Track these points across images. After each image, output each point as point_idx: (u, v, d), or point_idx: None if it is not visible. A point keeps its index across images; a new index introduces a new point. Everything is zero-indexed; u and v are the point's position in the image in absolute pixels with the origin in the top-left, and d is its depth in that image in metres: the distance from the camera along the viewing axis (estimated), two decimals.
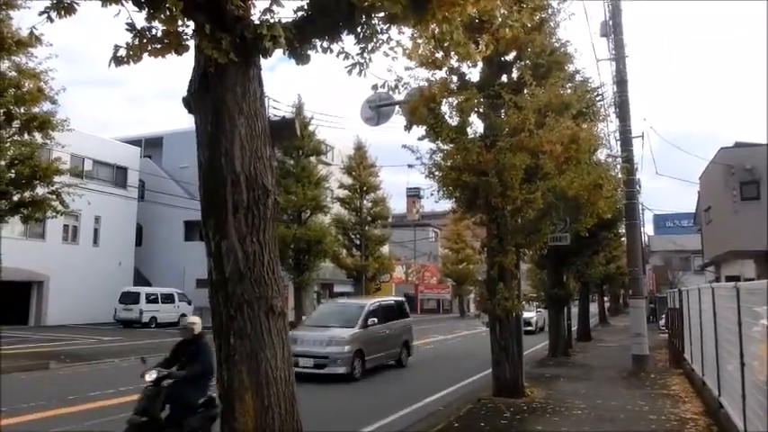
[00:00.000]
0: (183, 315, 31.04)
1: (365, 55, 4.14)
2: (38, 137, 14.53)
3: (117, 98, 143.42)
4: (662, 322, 27.13)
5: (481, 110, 10.15)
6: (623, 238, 19.78)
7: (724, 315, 7.58)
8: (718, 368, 8.10)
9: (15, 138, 14.21)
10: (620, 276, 31.43)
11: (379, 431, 8.32)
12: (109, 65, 3.73)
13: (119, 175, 32.96)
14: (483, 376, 12.47)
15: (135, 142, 36.15)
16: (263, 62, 4.15)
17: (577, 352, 18.19)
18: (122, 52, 3.69)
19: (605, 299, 43.29)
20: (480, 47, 7.69)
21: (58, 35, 66.95)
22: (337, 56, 4.13)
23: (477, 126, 10.31)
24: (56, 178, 14.96)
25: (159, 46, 3.74)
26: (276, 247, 4.10)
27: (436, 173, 10.10)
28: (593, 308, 35.55)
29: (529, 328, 24.11)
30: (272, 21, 3.82)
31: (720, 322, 7.91)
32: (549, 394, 10.38)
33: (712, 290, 8.57)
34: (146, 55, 3.75)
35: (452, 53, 9.07)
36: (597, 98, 15.68)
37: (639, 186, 19.78)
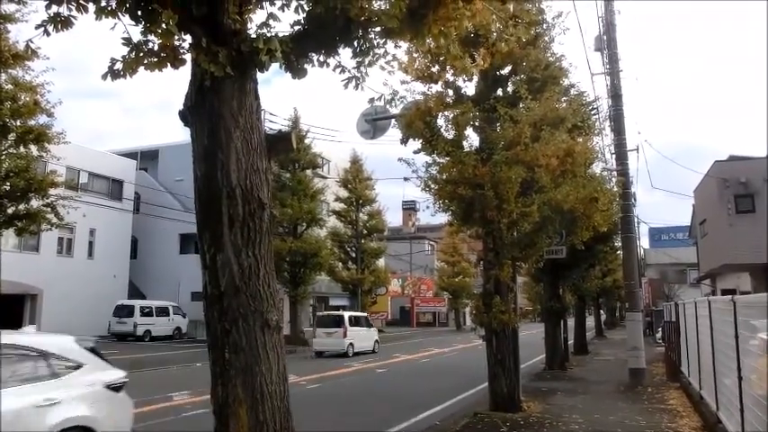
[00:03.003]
0: (178, 328, 30.95)
1: (362, 69, 4.16)
2: (33, 149, 14.55)
3: (112, 109, 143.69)
4: (658, 335, 27.05)
5: (477, 123, 10.18)
6: (619, 252, 19.76)
7: (721, 329, 7.57)
8: (716, 382, 8.07)
9: (11, 150, 14.22)
10: (617, 290, 31.46)
11: None
12: (104, 78, 3.70)
13: (114, 188, 32.91)
14: (479, 390, 12.40)
15: (131, 155, 36.16)
16: (259, 75, 4.16)
17: (574, 365, 18.11)
18: (119, 65, 3.68)
19: (601, 312, 43.25)
20: (476, 61, 7.76)
21: (53, 46, 67.10)
22: (334, 70, 4.14)
23: (472, 139, 10.35)
24: (51, 191, 14.95)
25: (156, 59, 3.73)
26: (272, 261, 4.08)
27: (432, 186, 10.10)
28: (590, 321, 35.48)
29: None
30: (268, 35, 3.83)
31: (717, 336, 7.89)
32: (546, 408, 10.31)
33: (709, 303, 8.56)
34: (142, 68, 3.75)
35: (448, 67, 9.14)
36: (592, 112, 15.76)
37: (635, 200, 19.91)
